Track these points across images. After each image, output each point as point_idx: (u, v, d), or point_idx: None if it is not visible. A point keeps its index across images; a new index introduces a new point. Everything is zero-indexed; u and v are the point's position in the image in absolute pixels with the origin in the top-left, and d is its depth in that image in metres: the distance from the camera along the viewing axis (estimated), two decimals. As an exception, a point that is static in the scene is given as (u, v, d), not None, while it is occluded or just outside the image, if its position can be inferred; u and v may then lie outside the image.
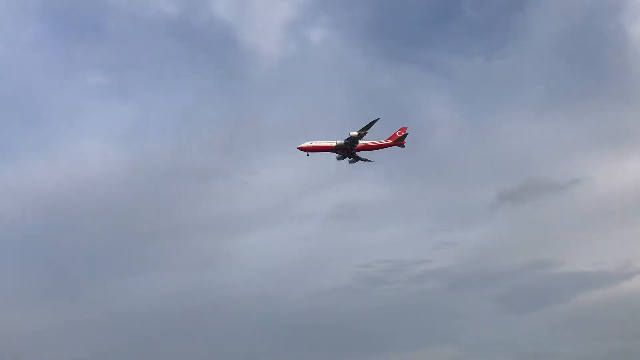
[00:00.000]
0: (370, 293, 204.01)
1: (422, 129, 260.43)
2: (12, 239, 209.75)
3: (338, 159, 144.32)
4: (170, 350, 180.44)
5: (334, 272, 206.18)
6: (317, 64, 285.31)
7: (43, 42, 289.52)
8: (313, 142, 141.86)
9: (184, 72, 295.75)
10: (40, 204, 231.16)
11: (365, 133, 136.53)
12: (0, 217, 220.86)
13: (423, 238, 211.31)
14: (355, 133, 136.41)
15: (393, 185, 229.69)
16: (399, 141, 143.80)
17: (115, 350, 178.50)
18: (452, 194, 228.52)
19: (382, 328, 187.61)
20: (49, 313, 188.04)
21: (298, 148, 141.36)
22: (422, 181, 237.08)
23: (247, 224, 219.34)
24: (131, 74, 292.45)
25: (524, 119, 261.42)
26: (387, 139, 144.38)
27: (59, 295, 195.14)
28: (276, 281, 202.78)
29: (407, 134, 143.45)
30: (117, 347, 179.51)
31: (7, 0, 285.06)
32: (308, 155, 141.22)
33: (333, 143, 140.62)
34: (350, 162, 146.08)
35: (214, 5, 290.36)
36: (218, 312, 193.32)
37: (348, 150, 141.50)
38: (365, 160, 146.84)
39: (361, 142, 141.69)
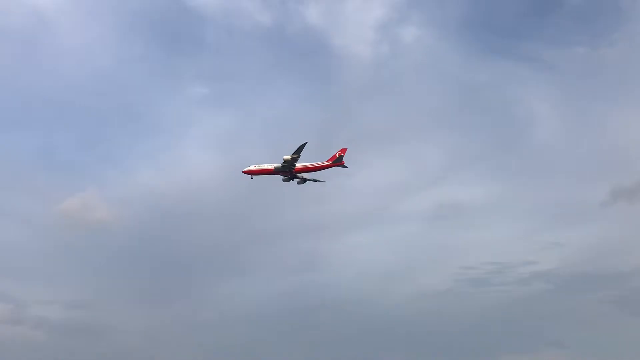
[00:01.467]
0: (474, 296, 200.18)
1: (524, 126, 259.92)
2: (127, 243, 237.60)
3: (284, 180, 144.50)
4: (275, 350, 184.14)
5: (436, 274, 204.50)
6: (411, 63, 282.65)
7: (148, 56, 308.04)
8: (256, 165, 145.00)
9: (280, 79, 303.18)
10: (151, 210, 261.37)
11: (299, 156, 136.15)
12: (115, 223, 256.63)
13: (529, 238, 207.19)
14: (288, 157, 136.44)
15: (497, 183, 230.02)
16: (338, 162, 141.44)
17: (223, 349, 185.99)
18: (559, 192, 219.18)
19: (486, 332, 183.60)
20: (161, 312, 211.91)
21: (243, 172, 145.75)
22: (527, 179, 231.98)
23: (346, 226, 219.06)
24: (230, 83, 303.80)
25: (636, 111, 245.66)
26: (327, 160, 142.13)
27: (171, 296, 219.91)
28: (376, 283, 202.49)
29: (342, 156, 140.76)
30: (225, 346, 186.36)
31: (115, 18, 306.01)
32: (252, 178, 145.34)
33: (272, 166, 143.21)
34: (298, 183, 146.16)
35: (306, 12, 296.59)
36: (321, 313, 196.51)
37: (289, 172, 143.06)
38: (314, 180, 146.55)
39: (301, 165, 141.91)
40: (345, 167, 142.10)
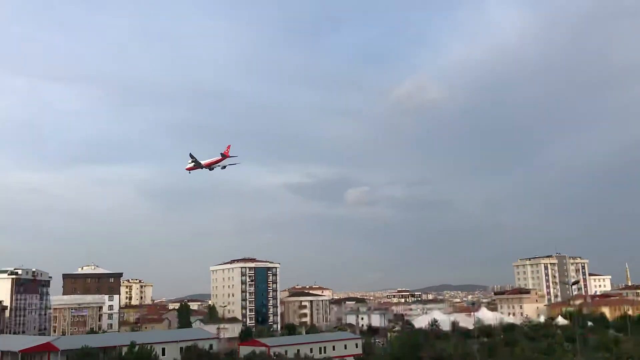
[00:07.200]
0: None
1: None
2: (455, 119, 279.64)
3: (210, 169, 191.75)
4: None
5: None
6: None
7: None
8: (191, 163, 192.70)
9: None
10: (471, 83, 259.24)
11: (194, 159, 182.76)
12: (440, 102, 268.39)
13: None
14: (190, 160, 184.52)
15: None
16: (224, 157, 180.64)
17: (569, 203, 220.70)
18: None
19: None
20: (499, 179, 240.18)
21: (185, 169, 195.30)
22: None
23: None
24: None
25: None
26: (220, 156, 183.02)
27: (507, 163, 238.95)
28: None
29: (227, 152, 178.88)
30: (570, 200, 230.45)
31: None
32: (190, 173, 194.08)
33: (192, 164, 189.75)
34: (222, 168, 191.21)
35: None
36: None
37: (206, 167, 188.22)
38: (232, 164, 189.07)
39: (207, 160, 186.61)
40: (235, 156, 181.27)
